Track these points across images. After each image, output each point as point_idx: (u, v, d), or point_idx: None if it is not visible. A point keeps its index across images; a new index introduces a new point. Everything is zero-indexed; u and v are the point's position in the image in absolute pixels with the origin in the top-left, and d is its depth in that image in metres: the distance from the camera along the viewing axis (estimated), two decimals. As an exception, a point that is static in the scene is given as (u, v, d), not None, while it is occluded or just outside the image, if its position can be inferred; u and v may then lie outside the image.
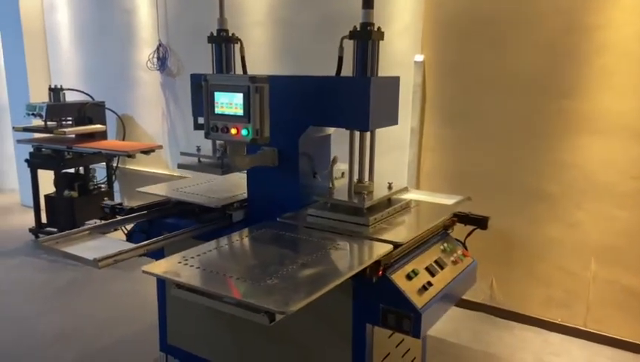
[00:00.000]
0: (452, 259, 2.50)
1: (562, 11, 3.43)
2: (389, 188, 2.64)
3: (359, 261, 2.14)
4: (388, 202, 2.63)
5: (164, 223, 2.82)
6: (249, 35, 4.73)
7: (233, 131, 2.23)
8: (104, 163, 5.82)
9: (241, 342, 2.70)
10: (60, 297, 4.34)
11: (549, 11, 3.47)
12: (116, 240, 2.48)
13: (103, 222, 2.81)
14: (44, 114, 5.17)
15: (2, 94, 7.22)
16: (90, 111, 5.62)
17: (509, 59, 3.66)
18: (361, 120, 2.33)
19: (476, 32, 3.76)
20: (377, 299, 2.15)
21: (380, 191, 2.59)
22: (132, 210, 2.86)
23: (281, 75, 2.66)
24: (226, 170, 2.66)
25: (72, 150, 5.29)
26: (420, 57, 4.00)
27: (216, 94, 2.24)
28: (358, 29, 2.34)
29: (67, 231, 2.51)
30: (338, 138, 2.75)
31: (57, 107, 5.44)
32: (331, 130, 2.77)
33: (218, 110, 2.25)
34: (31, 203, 5.73)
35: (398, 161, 4.19)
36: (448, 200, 2.93)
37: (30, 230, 5.73)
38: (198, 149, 2.84)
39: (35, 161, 5.50)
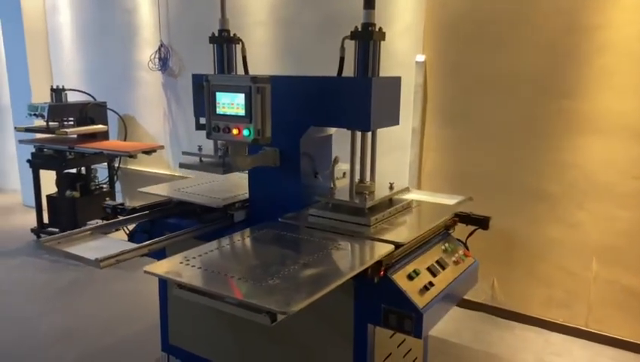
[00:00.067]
0: (453, 259, 2.50)
1: (563, 11, 3.43)
2: (391, 188, 2.64)
3: (361, 261, 2.14)
4: (389, 202, 2.63)
5: (166, 223, 2.83)
6: (250, 35, 4.74)
7: (235, 131, 2.23)
8: (106, 163, 5.83)
9: (242, 342, 2.70)
10: (62, 297, 4.35)
11: (549, 12, 3.48)
12: (118, 241, 2.49)
13: (105, 222, 2.81)
14: (46, 114, 5.18)
15: (4, 94, 7.24)
16: (92, 112, 5.63)
17: (509, 60, 3.67)
18: (362, 120, 2.33)
19: (477, 32, 3.76)
20: (379, 299, 2.16)
21: (381, 192, 2.59)
22: (134, 210, 2.87)
23: (282, 75, 2.66)
24: (228, 170, 2.66)
25: (73, 150, 5.30)
26: (421, 57, 4.01)
27: (218, 94, 2.25)
28: (360, 29, 2.34)
29: (69, 232, 2.51)
30: (339, 138, 2.75)
31: (59, 107, 5.45)
32: (333, 131, 2.77)
33: (220, 110, 2.26)
34: (33, 203, 5.74)
35: (399, 161, 4.20)
36: (449, 201, 2.93)
37: (32, 230, 5.74)
38: (200, 149, 2.84)
39: (37, 162, 5.52)
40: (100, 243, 2.44)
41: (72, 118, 5.56)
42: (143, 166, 6.02)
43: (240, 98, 2.18)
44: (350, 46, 2.39)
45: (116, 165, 5.98)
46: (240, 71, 2.88)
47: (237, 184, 3.11)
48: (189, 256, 2.06)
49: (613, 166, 3.43)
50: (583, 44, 3.40)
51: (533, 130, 3.66)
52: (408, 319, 2.08)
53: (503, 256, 3.89)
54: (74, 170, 5.67)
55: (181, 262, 2.01)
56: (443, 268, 2.39)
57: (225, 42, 2.80)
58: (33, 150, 5.53)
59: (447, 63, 3.94)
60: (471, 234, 2.76)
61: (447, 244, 2.56)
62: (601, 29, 3.33)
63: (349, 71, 2.44)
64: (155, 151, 5.24)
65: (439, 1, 3.88)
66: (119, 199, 6.06)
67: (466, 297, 3.32)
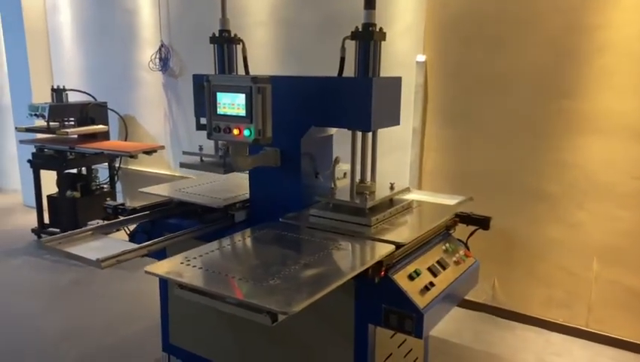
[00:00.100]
0: (454, 259, 2.50)
1: (563, 11, 3.43)
2: (391, 188, 2.65)
3: (361, 261, 2.14)
4: (390, 202, 2.63)
5: (167, 223, 2.83)
6: (251, 35, 4.74)
7: (235, 132, 2.23)
8: (106, 163, 5.84)
9: (243, 342, 2.70)
10: (63, 297, 4.35)
11: (549, 12, 3.48)
12: (119, 241, 2.49)
13: (106, 222, 2.81)
14: (46, 114, 5.18)
15: (5, 95, 7.24)
16: (93, 112, 5.63)
17: (510, 60, 3.67)
18: (363, 120, 2.33)
19: (477, 32, 3.76)
20: (379, 300, 2.16)
21: (382, 192, 2.59)
22: (134, 210, 2.87)
23: (283, 75, 2.66)
24: (228, 169, 2.67)
25: (74, 150, 5.30)
26: (421, 58, 4.01)
27: (219, 95, 2.25)
28: (360, 29, 2.34)
29: (70, 232, 2.51)
30: (340, 138, 2.75)
31: (60, 107, 5.45)
32: (333, 131, 2.77)
33: (220, 110, 2.26)
34: (33, 203, 5.74)
35: (400, 161, 4.20)
36: (450, 201, 2.93)
37: (33, 230, 5.75)
38: (201, 148, 2.85)
39: (38, 162, 5.52)
40: (100, 243, 2.44)
41: (72, 118, 5.56)
42: (144, 166, 6.03)
43: (241, 98, 2.18)
44: (351, 46, 2.39)
45: (117, 165, 5.98)
46: (240, 71, 2.88)
47: (238, 184, 3.11)
48: (190, 256, 2.06)
49: (614, 166, 3.43)
50: (583, 44, 3.41)
51: (534, 130, 3.66)
52: (409, 319, 2.08)
53: (504, 256, 3.89)
54: (74, 170, 5.68)
55: (182, 263, 2.01)
56: (444, 269, 2.39)
57: (225, 42, 2.80)
58: (34, 150, 5.54)
59: (448, 63, 3.94)
60: (471, 234, 2.76)
61: (447, 244, 2.56)
62: (601, 29, 3.33)
63: (349, 71, 2.44)
64: (155, 151, 5.24)
65: (440, 1, 3.88)
66: (120, 199, 6.06)
67: (466, 297, 3.32)
